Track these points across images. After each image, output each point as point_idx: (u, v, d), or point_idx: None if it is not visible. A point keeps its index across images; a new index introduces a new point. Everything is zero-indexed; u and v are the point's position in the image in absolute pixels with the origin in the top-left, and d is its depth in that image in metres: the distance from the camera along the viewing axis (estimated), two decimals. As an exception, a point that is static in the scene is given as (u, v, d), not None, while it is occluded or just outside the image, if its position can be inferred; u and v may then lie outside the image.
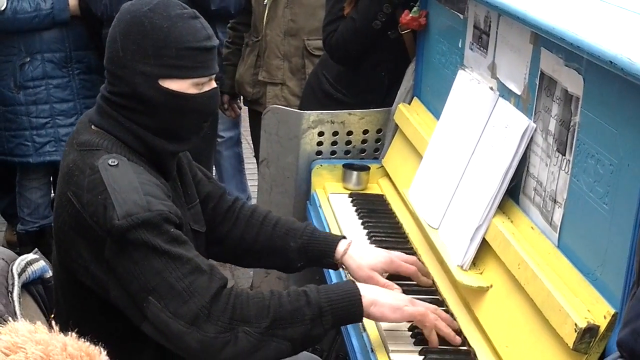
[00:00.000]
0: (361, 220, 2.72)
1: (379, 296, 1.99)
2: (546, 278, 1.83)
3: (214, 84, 2.06)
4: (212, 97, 2.07)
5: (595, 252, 1.76)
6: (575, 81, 1.85)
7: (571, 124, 1.87)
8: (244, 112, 4.54)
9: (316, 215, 2.88)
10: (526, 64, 2.11)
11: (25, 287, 1.80)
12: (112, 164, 1.93)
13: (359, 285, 2.00)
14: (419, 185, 2.57)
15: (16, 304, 1.67)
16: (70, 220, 1.95)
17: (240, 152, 4.93)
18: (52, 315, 1.82)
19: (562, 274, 1.84)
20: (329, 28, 3.22)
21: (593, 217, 1.77)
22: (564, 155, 1.90)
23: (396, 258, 2.25)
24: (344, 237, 2.31)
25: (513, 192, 2.15)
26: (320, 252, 2.27)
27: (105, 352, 1.29)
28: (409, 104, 3.03)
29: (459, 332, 2.06)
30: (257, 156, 3.89)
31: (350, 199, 2.90)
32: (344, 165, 3.01)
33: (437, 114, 2.70)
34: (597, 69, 1.71)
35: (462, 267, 2.16)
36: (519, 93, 2.17)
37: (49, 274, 1.92)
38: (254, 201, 4.47)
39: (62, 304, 2.04)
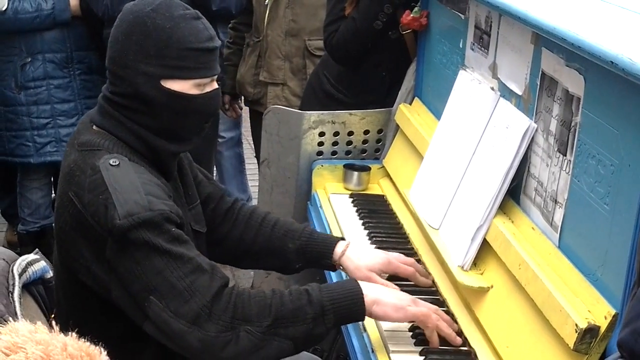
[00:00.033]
0: (362, 221, 2.72)
1: (382, 295, 1.99)
2: (547, 278, 1.83)
3: (215, 85, 2.06)
4: (214, 98, 2.07)
5: (595, 253, 1.75)
6: (576, 81, 1.85)
7: (572, 124, 1.87)
8: (245, 112, 4.54)
9: (317, 215, 2.88)
10: (527, 64, 2.11)
11: (26, 287, 1.79)
12: (114, 164, 1.93)
13: (362, 284, 1.99)
14: (419, 185, 2.57)
15: (17, 304, 1.67)
16: (72, 220, 1.95)
17: (241, 153, 4.93)
18: (53, 316, 1.82)
19: (563, 275, 1.84)
20: (329, 28, 3.22)
21: (594, 217, 1.76)
22: (565, 155, 1.90)
23: (394, 259, 2.25)
24: (343, 239, 2.31)
25: (514, 193, 2.15)
26: (319, 253, 2.27)
27: (106, 352, 1.29)
28: (410, 104, 3.03)
29: (459, 332, 2.06)
30: (258, 156, 3.89)
31: (351, 199, 2.90)
32: (344, 166, 3.01)
33: (438, 114, 2.69)
34: (598, 69, 1.71)
35: (462, 267, 2.16)
36: (520, 93, 2.17)
37: (50, 274, 1.92)
38: (254, 201, 4.47)
39: (62, 304, 2.05)
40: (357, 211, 2.80)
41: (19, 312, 1.65)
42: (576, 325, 1.67)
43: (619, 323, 1.64)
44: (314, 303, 1.92)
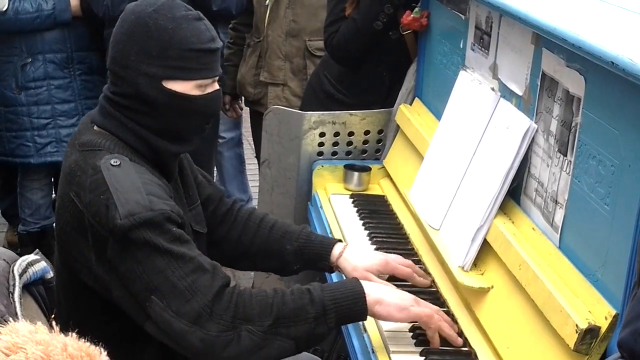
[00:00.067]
0: (362, 221, 2.72)
1: (385, 295, 1.98)
2: (547, 279, 1.83)
3: (216, 86, 2.07)
4: (215, 99, 2.08)
5: (596, 253, 1.75)
6: (576, 82, 1.85)
7: (572, 124, 1.87)
8: (245, 112, 4.54)
9: (317, 216, 2.88)
10: (527, 65, 2.11)
11: (27, 287, 1.79)
12: (115, 164, 1.93)
13: (364, 283, 1.99)
14: (420, 186, 2.57)
15: (17, 304, 1.67)
16: (73, 220, 1.95)
17: (242, 153, 4.93)
18: (53, 316, 1.82)
19: (563, 275, 1.84)
20: (330, 29, 3.22)
21: (594, 218, 1.76)
22: (565, 156, 1.90)
23: (392, 260, 2.25)
24: (340, 241, 2.31)
25: (514, 193, 2.15)
26: (316, 255, 2.27)
27: (106, 352, 1.29)
28: (410, 104, 3.03)
29: (459, 333, 2.05)
30: (258, 157, 3.89)
31: (352, 199, 2.90)
32: (345, 166, 3.01)
33: (438, 115, 2.69)
34: (599, 70, 1.71)
35: (463, 268, 2.16)
36: (520, 94, 2.17)
37: (50, 274, 1.91)
38: (255, 202, 4.47)
39: (63, 305, 2.05)
40: (357, 212, 2.80)
41: (19, 313, 1.65)
42: (576, 325, 1.67)
43: (619, 323, 1.64)
44: (315, 302, 1.92)
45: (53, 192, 4.29)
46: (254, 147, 4.51)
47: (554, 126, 1.97)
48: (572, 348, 1.68)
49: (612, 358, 1.39)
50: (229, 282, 1.94)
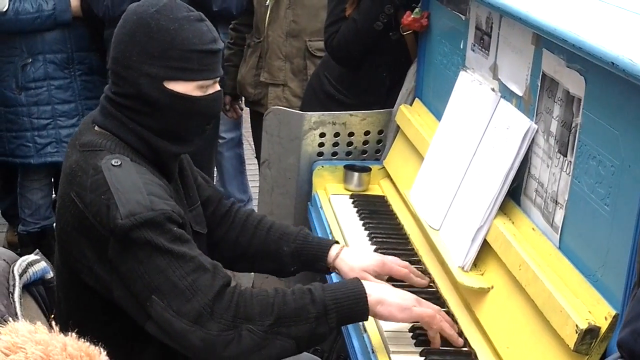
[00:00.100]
0: (362, 222, 2.72)
1: (387, 295, 1.98)
2: (547, 279, 1.83)
3: (218, 87, 2.07)
4: (216, 100, 2.08)
5: (596, 254, 1.75)
6: (576, 82, 1.85)
7: (572, 125, 1.87)
8: (246, 113, 4.54)
9: (317, 216, 2.88)
10: (528, 65, 2.11)
11: (27, 288, 1.79)
12: (115, 164, 1.93)
13: (365, 283, 1.99)
14: (420, 186, 2.57)
15: (17, 304, 1.67)
16: (74, 220, 1.95)
17: (242, 153, 4.93)
18: (52, 316, 1.82)
19: (563, 275, 1.84)
20: (330, 29, 3.22)
21: (594, 218, 1.76)
22: (565, 156, 1.90)
23: (388, 261, 2.25)
24: (337, 242, 2.32)
25: (514, 194, 2.15)
26: (314, 256, 2.27)
27: (106, 353, 1.29)
28: (411, 105, 3.03)
29: (460, 333, 2.05)
30: (258, 157, 3.89)
31: (352, 200, 2.90)
32: (345, 167, 3.01)
33: (438, 115, 2.70)
34: (599, 70, 1.71)
35: (463, 268, 2.16)
36: (520, 94, 2.17)
37: (50, 274, 1.91)
38: (255, 202, 4.47)
39: (64, 305, 2.05)
40: (357, 212, 2.80)
41: (19, 313, 1.65)
42: (576, 326, 1.67)
43: (619, 324, 1.64)
44: (316, 302, 1.92)
45: (53, 193, 4.29)
46: (254, 148, 4.51)
47: (554, 127, 1.97)
48: (572, 348, 1.68)
49: (612, 358, 1.39)
50: (230, 281, 1.94)
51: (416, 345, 2.03)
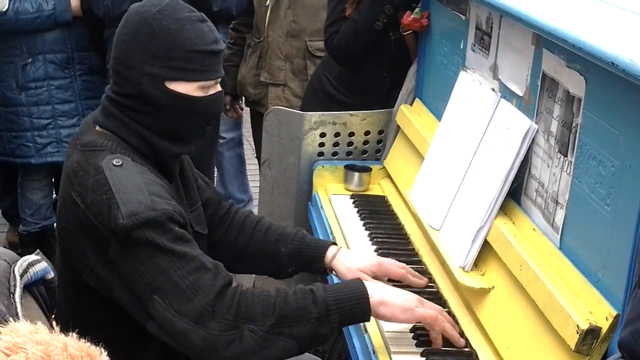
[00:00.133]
0: (363, 222, 2.72)
1: (389, 296, 1.98)
2: (548, 279, 1.83)
3: (219, 88, 2.07)
4: (217, 101, 2.08)
5: (597, 254, 1.75)
6: (577, 82, 1.85)
7: (573, 125, 1.87)
8: (246, 113, 4.54)
9: (318, 216, 2.88)
10: (528, 65, 2.11)
11: (27, 288, 1.79)
12: (117, 164, 1.93)
13: (367, 284, 1.98)
14: (420, 186, 2.57)
15: (18, 305, 1.67)
16: (75, 220, 1.95)
17: (242, 153, 4.93)
18: (53, 316, 1.81)
19: (564, 276, 1.84)
20: (330, 29, 3.22)
21: (595, 218, 1.76)
22: (566, 156, 1.90)
23: (385, 262, 2.25)
24: (334, 243, 2.32)
25: (515, 194, 2.15)
26: (311, 257, 2.27)
27: (106, 353, 1.29)
28: (411, 105, 3.03)
29: (460, 333, 2.05)
30: (258, 157, 3.89)
31: (352, 200, 2.90)
32: (345, 167, 3.01)
33: (438, 115, 2.70)
34: (599, 70, 1.71)
35: (463, 268, 2.16)
36: (520, 94, 2.17)
37: (51, 275, 1.91)
38: (255, 202, 4.47)
39: (65, 305, 2.05)
40: (358, 212, 2.80)
41: (20, 313, 1.64)
42: (577, 326, 1.67)
43: (620, 324, 1.64)
44: (318, 303, 1.92)
45: (54, 193, 4.29)
46: (254, 148, 4.51)
47: (554, 127, 1.97)
48: (573, 349, 1.67)
49: (613, 358, 1.39)
50: (231, 281, 1.94)
51: (417, 345, 2.03)
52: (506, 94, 2.26)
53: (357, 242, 2.59)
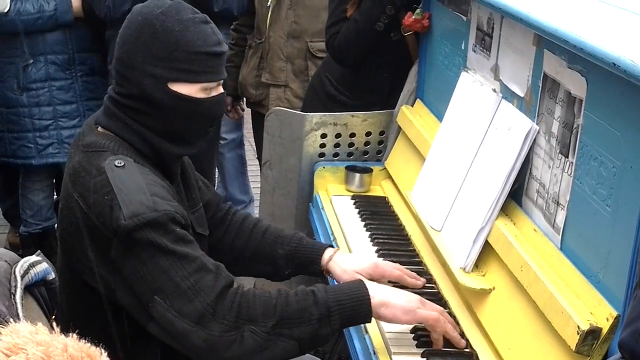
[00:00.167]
0: (364, 223, 2.72)
1: (390, 297, 1.98)
2: (549, 280, 1.83)
3: (221, 89, 2.07)
4: (220, 102, 2.08)
5: (597, 255, 1.75)
6: (578, 83, 1.85)
7: (574, 126, 1.87)
8: (247, 113, 4.54)
9: (319, 217, 2.88)
10: (529, 66, 2.11)
11: (28, 289, 1.79)
12: (119, 165, 1.94)
13: (369, 285, 1.98)
14: (421, 187, 2.57)
15: (19, 306, 1.67)
16: (76, 221, 1.95)
17: (243, 154, 4.93)
18: (54, 317, 1.82)
19: (565, 276, 1.84)
20: (331, 30, 3.22)
21: (596, 219, 1.76)
22: (567, 157, 1.90)
23: (381, 264, 2.25)
24: (331, 246, 2.32)
25: (516, 195, 2.15)
26: (308, 259, 2.27)
27: (107, 353, 1.29)
28: (412, 105, 3.03)
29: (461, 334, 2.05)
30: (259, 158, 3.89)
31: (353, 201, 2.90)
32: (346, 167, 3.01)
33: (440, 116, 2.69)
34: (600, 71, 1.71)
35: (464, 269, 2.16)
36: (521, 95, 2.17)
37: (52, 275, 1.91)
38: (256, 203, 4.47)
39: (66, 306, 2.05)
40: (359, 213, 2.80)
41: (20, 314, 1.65)
42: (578, 327, 1.67)
43: (620, 325, 1.63)
44: (319, 304, 1.92)
45: (55, 194, 4.29)
46: (255, 149, 4.52)
47: (555, 127, 1.97)
48: (573, 349, 1.67)
49: (613, 359, 1.39)
50: (233, 282, 1.94)
51: (417, 346, 2.03)
52: (507, 94, 2.26)
53: (358, 243, 2.59)
